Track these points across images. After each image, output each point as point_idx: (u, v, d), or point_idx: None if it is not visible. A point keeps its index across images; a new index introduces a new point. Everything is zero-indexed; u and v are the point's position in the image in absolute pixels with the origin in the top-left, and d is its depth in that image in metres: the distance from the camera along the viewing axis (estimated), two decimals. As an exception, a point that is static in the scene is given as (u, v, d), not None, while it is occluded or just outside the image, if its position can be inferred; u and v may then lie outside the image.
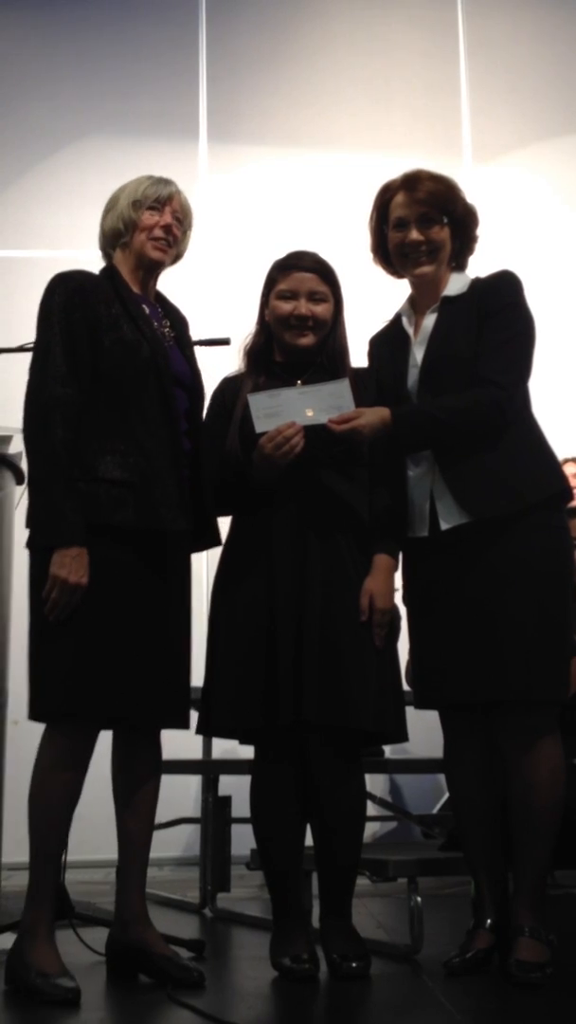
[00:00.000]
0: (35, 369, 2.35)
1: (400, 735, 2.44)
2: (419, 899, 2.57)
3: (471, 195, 2.62)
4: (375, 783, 4.21)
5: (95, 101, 5.01)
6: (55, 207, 4.85)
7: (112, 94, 5.04)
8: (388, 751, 3.76)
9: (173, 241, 2.48)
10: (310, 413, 2.38)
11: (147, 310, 2.45)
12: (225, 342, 2.78)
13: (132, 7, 5.16)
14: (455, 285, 2.54)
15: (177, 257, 2.55)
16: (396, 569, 2.48)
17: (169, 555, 2.38)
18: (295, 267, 2.51)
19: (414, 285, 2.60)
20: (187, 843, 4.39)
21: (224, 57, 5.16)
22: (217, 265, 4.84)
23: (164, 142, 4.92)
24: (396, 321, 2.64)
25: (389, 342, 2.62)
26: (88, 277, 2.42)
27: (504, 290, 2.51)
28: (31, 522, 2.31)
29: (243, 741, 2.57)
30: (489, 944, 2.41)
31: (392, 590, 2.44)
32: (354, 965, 2.33)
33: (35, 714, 2.33)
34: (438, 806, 4.36)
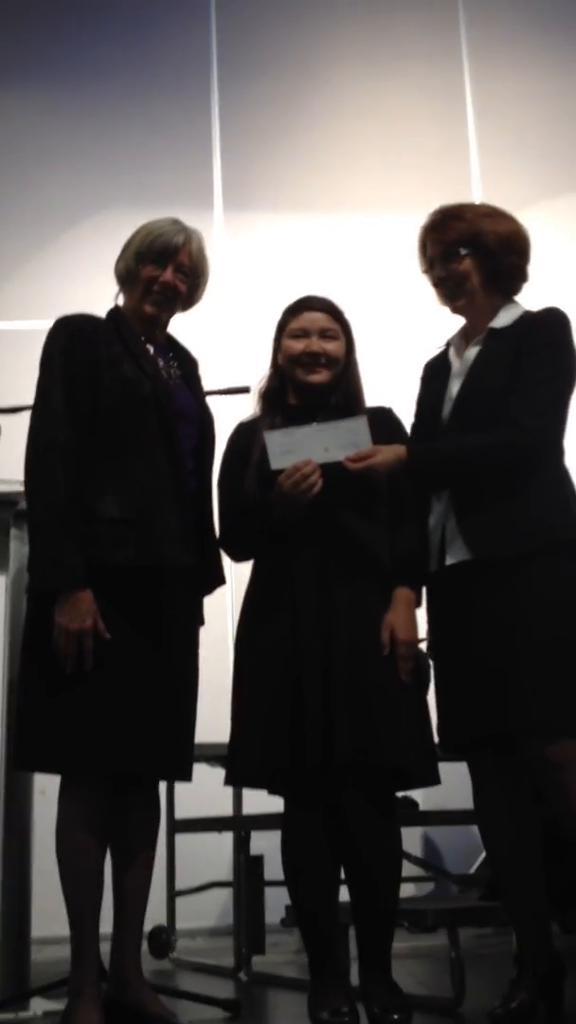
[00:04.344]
0: (35, 413, 2.36)
1: (432, 776, 2.38)
2: (460, 950, 2.50)
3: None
4: (410, 842, 4.12)
5: (113, 175, 5.11)
6: (74, 279, 4.92)
7: (130, 167, 5.14)
8: (422, 803, 3.69)
9: (174, 295, 2.47)
10: (327, 450, 2.37)
11: (151, 350, 2.46)
12: (245, 390, 2.79)
13: (148, 83, 5.28)
14: (504, 317, 2.49)
15: (188, 305, 2.55)
16: (418, 604, 2.45)
17: (175, 597, 2.35)
18: (305, 307, 2.53)
19: (463, 317, 2.58)
20: (220, 912, 4.29)
21: (237, 129, 5.27)
22: (234, 329, 4.88)
23: (181, 211, 4.84)
24: (446, 350, 2.62)
25: (435, 371, 2.60)
26: (89, 319, 2.43)
27: (547, 328, 2.44)
28: (30, 567, 2.29)
29: (272, 791, 2.51)
30: (534, 994, 2.33)
31: (414, 622, 2.41)
32: (396, 1017, 2.25)
33: (21, 763, 2.33)
34: (475, 865, 4.26)
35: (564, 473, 2.45)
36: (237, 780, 2.48)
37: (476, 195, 5.27)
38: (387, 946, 2.37)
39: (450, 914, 2.57)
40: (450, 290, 2.53)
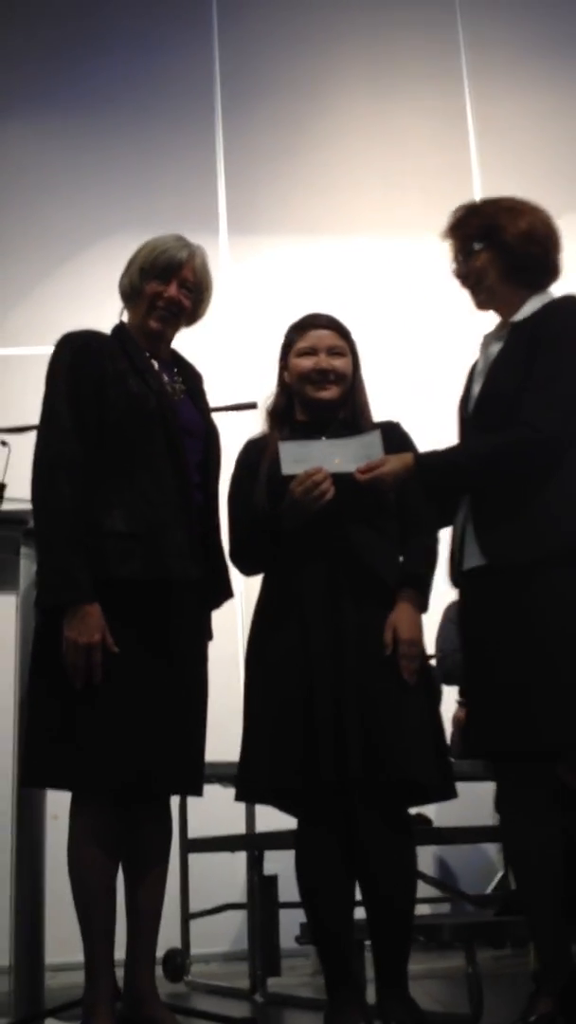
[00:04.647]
0: (41, 428, 2.37)
1: (447, 790, 2.37)
2: (477, 966, 2.47)
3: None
4: (425, 863, 4.10)
5: (118, 200, 5.15)
6: (81, 304, 4.92)
7: (134, 193, 5.18)
8: (436, 824, 3.67)
9: (178, 311, 2.48)
10: (338, 462, 2.37)
11: (156, 365, 2.47)
12: (252, 406, 2.80)
13: (152, 109, 5.33)
14: (526, 309, 2.40)
15: (192, 321, 2.56)
16: (423, 609, 2.44)
17: (183, 611, 2.35)
18: (312, 325, 2.55)
19: (492, 312, 2.54)
20: (235, 936, 4.27)
21: (241, 152, 5.31)
22: (241, 352, 4.90)
23: (186, 235, 5.02)
24: None
25: (472, 370, 2.56)
26: (95, 335, 2.44)
27: (559, 318, 2.34)
28: (38, 582, 2.30)
29: (283, 808, 2.49)
30: (553, 1009, 2.30)
31: (418, 624, 2.40)
32: (412, 1032, 2.24)
33: (30, 780, 2.31)
34: (491, 886, 4.23)
35: None
36: (247, 795, 2.47)
37: (479, 215, 5.29)
38: (404, 962, 2.35)
39: (467, 929, 2.55)
40: (470, 286, 2.50)
